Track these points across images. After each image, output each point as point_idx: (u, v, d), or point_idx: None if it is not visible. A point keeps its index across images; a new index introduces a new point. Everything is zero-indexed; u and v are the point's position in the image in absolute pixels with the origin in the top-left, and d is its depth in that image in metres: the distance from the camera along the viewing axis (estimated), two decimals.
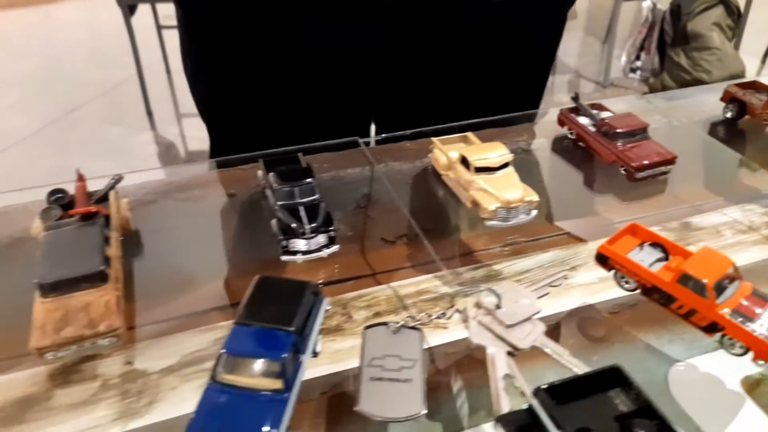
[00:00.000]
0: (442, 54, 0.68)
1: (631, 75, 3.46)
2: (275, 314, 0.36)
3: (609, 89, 3.44)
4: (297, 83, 0.68)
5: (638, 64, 3.43)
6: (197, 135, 3.21)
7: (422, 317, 0.42)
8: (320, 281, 0.50)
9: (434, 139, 0.60)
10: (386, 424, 0.38)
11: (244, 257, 0.54)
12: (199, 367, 0.44)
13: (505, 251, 0.56)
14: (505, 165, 0.54)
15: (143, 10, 3.03)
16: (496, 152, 0.54)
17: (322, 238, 0.47)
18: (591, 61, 3.63)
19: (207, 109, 0.76)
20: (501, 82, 0.71)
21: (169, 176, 0.59)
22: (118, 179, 0.47)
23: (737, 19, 3.06)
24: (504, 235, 0.57)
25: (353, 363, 0.44)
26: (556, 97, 3.38)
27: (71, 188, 0.51)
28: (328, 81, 0.68)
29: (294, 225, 0.47)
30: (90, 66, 3.60)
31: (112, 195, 0.48)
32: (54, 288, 0.40)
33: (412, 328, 0.42)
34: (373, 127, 0.79)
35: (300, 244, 0.46)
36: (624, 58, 3.48)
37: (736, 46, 3.05)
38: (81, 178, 0.48)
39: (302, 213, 0.47)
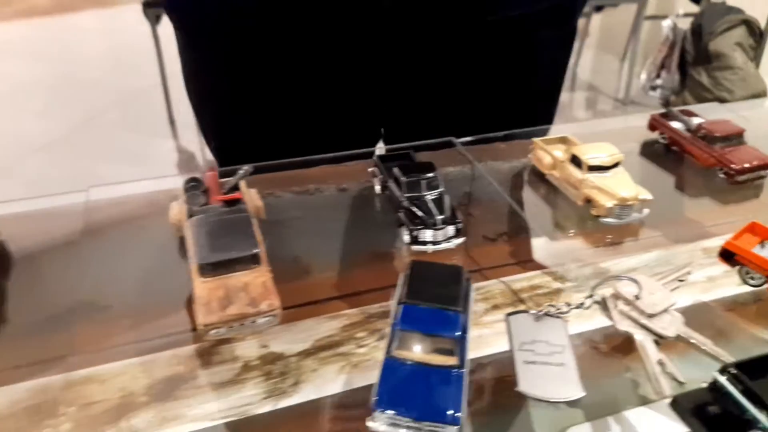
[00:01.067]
0: (451, 64, 0.68)
1: (651, 93, 3.49)
2: (440, 295, 0.38)
3: (629, 106, 3.46)
4: (301, 96, 0.68)
5: (658, 82, 3.45)
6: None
7: (561, 306, 0.43)
8: None
9: (536, 139, 0.61)
10: (527, 407, 0.39)
11: (357, 247, 0.55)
12: (334, 352, 0.45)
13: (608, 250, 0.57)
14: (616, 164, 0.55)
15: (166, 20, 3.08)
16: (607, 151, 0.55)
17: (450, 230, 0.48)
18: (609, 79, 3.66)
19: (214, 129, 0.77)
20: (511, 94, 0.72)
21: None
22: (249, 171, 0.48)
23: (759, 39, 3.08)
24: (606, 234, 0.58)
25: (482, 352, 0.45)
26: (575, 112, 3.41)
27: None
28: (334, 93, 0.68)
29: (424, 216, 0.48)
30: (111, 74, 3.64)
31: (242, 185, 0.49)
32: (213, 268, 0.41)
33: (554, 316, 0.43)
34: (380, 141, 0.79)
35: (430, 234, 0.47)
36: (643, 76, 3.51)
37: (757, 66, 3.08)
38: (212, 168, 0.50)
39: (430, 204, 0.49)
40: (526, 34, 0.68)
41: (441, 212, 0.48)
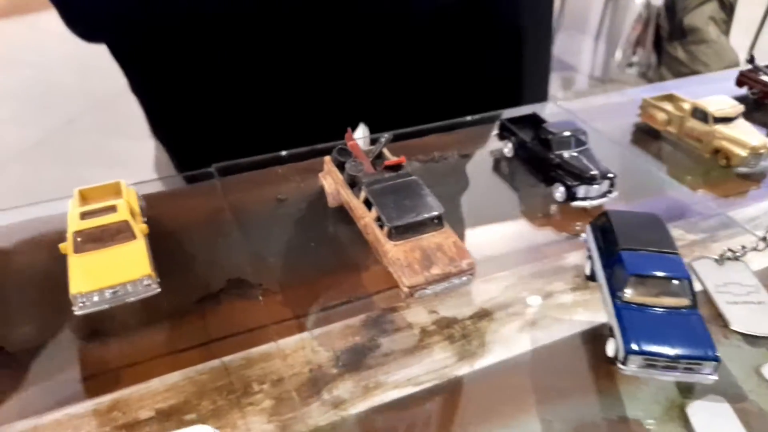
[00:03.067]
0: (427, 46, 0.67)
1: (628, 70, 3.56)
2: (655, 240, 0.37)
3: (608, 84, 3.53)
4: (277, 94, 0.67)
5: (635, 59, 3.53)
6: None
7: (737, 250, 0.44)
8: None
9: (646, 98, 0.61)
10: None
11: (507, 209, 0.54)
12: (505, 312, 0.44)
13: (729, 198, 0.57)
14: (738, 116, 0.56)
15: None
16: (729, 103, 0.56)
17: (606, 184, 0.48)
18: (585, 58, 3.72)
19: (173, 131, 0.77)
20: (493, 73, 0.72)
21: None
22: (390, 139, 0.47)
23: (729, 12, 3.18)
24: (735, 182, 0.58)
25: None
26: (554, 92, 3.46)
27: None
28: (310, 88, 0.67)
29: (581, 172, 0.48)
30: (81, 77, 3.52)
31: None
32: (404, 231, 0.40)
33: (733, 259, 0.43)
34: (364, 128, 0.79)
35: (590, 190, 0.47)
36: (619, 54, 3.58)
37: (727, 39, 3.17)
38: (350, 136, 0.48)
39: (584, 161, 0.48)
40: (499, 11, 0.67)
41: (596, 168, 0.48)
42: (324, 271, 0.45)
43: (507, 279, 0.47)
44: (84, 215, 0.40)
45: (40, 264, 0.45)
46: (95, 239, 0.39)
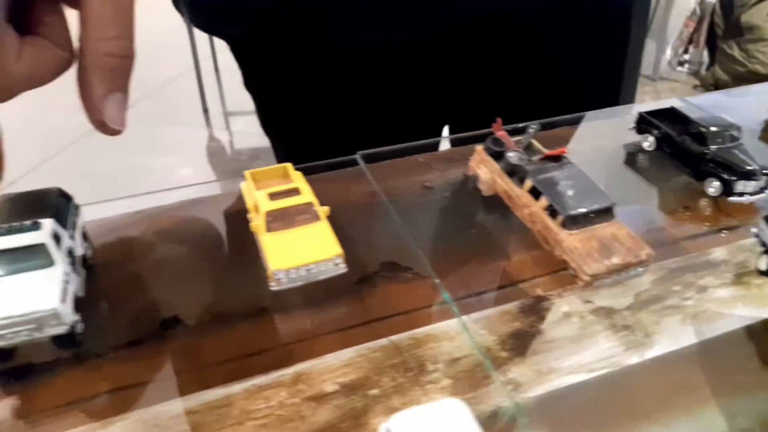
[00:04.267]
0: (530, 43, 0.67)
1: (679, 68, 3.50)
2: None
3: (659, 82, 3.46)
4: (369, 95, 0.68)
5: (686, 57, 3.46)
6: (251, 131, 3.22)
7: None
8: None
9: None
10: None
11: (658, 203, 0.54)
12: (662, 305, 0.45)
13: None
14: None
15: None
16: None
17: (763, 180, 0.48)
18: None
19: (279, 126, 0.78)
20: (570, 75, 0.71)
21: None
22: (538, 129, 0.48)
23: None
24: None
25: None
26: None
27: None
28: (399, 92, 0.68)
29: (739, 166, 0.48)
30: (139, 65, 3.60)
31: (534, 141, 0.48)
32: (578, 220, 0.41)
33: None
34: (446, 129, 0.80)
35: (748, 185, 0.47)
36: (669, 52, 3.51)
37: None
38: (498, 125, 0.49)
39: (740, 155, 0.48)
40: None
41: (754, 163, 0.48)
42: (476, 257, 0.46)
43: (656, 272, 0.47)
44: (272, 196, 0.42)
45: (212, 241, 0.47)
46: (283, 219, 0.41)
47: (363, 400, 0.38)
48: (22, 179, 2.61)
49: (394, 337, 0.42)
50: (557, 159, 0.46)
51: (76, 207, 0.42)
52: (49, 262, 0.35)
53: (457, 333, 0.42)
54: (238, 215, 0.46)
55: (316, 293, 0.44)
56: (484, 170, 0.48)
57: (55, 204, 0.39)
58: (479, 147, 0.50)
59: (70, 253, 0.38)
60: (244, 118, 3.26)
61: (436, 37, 0.63)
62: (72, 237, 0.39)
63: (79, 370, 0.38)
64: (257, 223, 0.42)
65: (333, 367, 0.40)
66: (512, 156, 0.46)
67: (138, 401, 0.38)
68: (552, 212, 0.42)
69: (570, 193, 0.42)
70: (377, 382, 0.39)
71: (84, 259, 0.40)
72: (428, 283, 0.46)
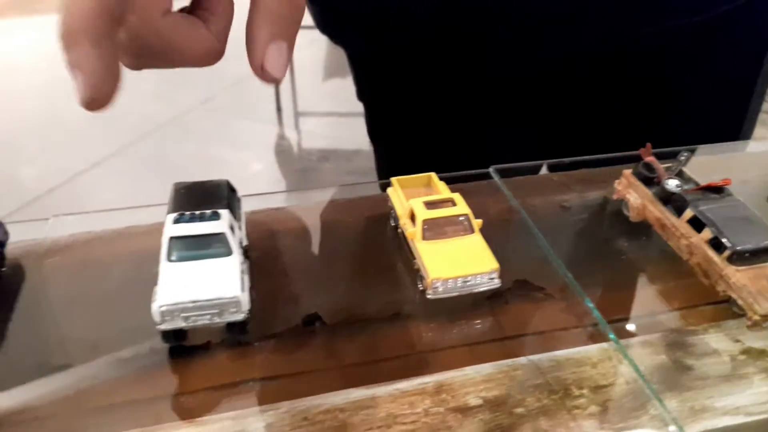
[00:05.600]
0: (652, 69, 0.64)
1: None
2: None
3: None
4: (477, 109, 0.67)
5: None
6: (319, 132, 3.27)
7: None
8: None
9: None
10: None
11: None
12: None
13: None
14: None
15: None
16: None
17: None
18: None
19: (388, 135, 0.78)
20: (696, 104, 0.67)
21: None
22: (689, 157, 0.46)
23: None
24: None
25: None
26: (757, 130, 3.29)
27: None
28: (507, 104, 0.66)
29: None
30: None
31: (686, 170, 0.47)
32: (745, 257, 0.40)
33: None
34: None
35: None
36: None
37: None
38: (647, 151, 0.48)
39: None
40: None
41: None
42: (621, 283, 0.45)
43: None
44: (428, 205, 0.43)
45: (356, 243, 0.48)
46: (439, 229, 0.41)
47: (509, 417, 0.37)
48: (103, 162, 2.73)
49: (533, 357, 0.41)
50: (718, 190, 0.44)
51: (239, 200, 0.44)
52: (228, 251, 0.37)
53: (600, 359, 0.41)
54: (381, 219, 0.46)
55: (451, 305, 0.44)
56: (634, 195, 0.47)
57: (226, 196, 0.41)
58: (627, 171, 0.49)
59: (240, 243, 0.39)
60: (314, 119, 3.33)
61: (581, 63, 0.62)
62: (240, 228, 0.40)
63: (233, 355, 0.40)
64: (412, 230, 0.42)
65: (474, 380, 0.40)
66: (670, 184, 0.45)
67: (286, 392, 0.38)
68: (716, 245, 0.41)
69: (736, 226, 0.41)
70: (521, 401, 0.38)
71: (245, 250, 0.42)
72: (560, 305, 0.46)
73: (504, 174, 0.53)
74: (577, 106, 0.68)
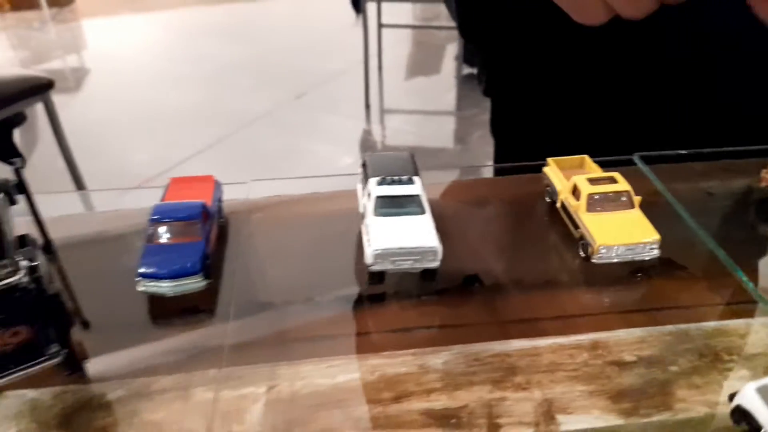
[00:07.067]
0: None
1: None
2: None
3: None
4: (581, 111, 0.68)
5: None
6: (404, 128, 3.34)
7: None
8: None
9: None
10: None
11: None
12: None
13: None
14: None
15: (370, 9, 3.22)
16: None
17: None
18: None
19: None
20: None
21: None
22: None
23: None
24: None
25: None
26: None
27: None
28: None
29: None
30: (309, 57, 3.89)
31: None
32: None
33: None
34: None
35: None
36: None
37: None
38: None
39: None
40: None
41: None
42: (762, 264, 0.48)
43: None
44: (591, 181, 0.48)
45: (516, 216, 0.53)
46: (603, 203, 0.46)
47: (664, 373, 0.41)
48: (204, 151, 2.92)
49: (682, 326, 0.45)
50: None
51: (418, 170, 0.50)
52: (423, 210, 0.43)
53: (746, 332, 0.44)
54: (535, 196, 0.51)
55: (608, 273, 0.48)
56: None
57: (412, 165, 0.47)
58: None
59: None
60: (399, 116, 3.41)
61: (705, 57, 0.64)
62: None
63: (414, 304, 0.46)
64: (576, 203, 0.47)
65: (627, 341, 0.44)
66: None
67: (459, 338, 0.44)
68: None
69: None
70: (674, 360, 0.42)
71: None
72: (708, 282, 0.49)
73: (646, 162, 0.56)
74: (701, 102, 0.69)
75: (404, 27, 4.13)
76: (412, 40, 4.37)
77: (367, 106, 3.34)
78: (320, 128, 3.17)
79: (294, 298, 0.45)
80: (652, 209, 0.55)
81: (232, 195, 0.52)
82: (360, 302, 0.46)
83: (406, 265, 0.42)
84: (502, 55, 0.78)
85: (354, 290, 0.45)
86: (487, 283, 0.49)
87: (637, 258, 0.45)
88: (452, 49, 3.77)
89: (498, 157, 0.89)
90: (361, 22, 3.22)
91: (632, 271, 0.48)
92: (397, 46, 4.38)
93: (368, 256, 0.42)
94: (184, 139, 3.00)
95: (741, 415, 0.35)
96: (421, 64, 3.94)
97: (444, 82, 3.58)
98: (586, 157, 0.53)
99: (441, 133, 3.24)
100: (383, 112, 3.47)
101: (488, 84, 0.83)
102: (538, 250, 0.50)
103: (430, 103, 3.50)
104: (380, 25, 3.33)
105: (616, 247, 0.44)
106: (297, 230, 0.52)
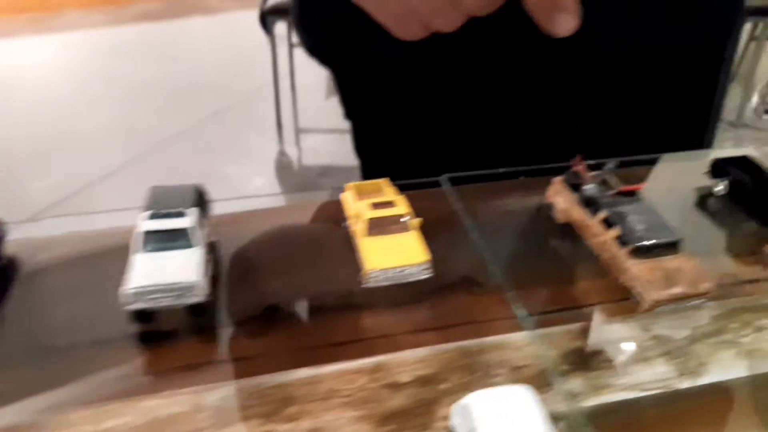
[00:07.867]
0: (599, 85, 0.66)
1: (765, 117, 3.38)
2: None
3: (741, 129, 3.36)
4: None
5: None
6: (320, 148, 3.33)
7: None
8: None
9: None
10: None
11: (694, 243, 0.57)
12: (718, 339, 0.48)
13: None
14: None
15: (279, 27, 3.21)
16: None
17: None
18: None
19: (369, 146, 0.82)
20: (657, 115, 0.70)
21: None
22: (614, 167, 0.52)
23: None
24: None
25: None
26: None
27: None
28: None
29: None
30: (222, 76, 3.83)
31: (611, 178, 0.52)
32: (644, 251, 0.45)
33: None
34: None
35: None
36: (756, 99, 3.40)
37: None
38: (580, 159, 0.54)
39: None
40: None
41: None
42: (547, 279, 0.51)
43: (715, 309, 0.50)
44: (374, 206, 0.49)
45: (310, 242, 0.54)
46: (381, 226, 0.47)
47: (434, 392, 0.43)
48: (111, 175, 2.81)
49: (463, 342, 0.47)
50: (631, 195, 0.50)
51: (207, 202, 0.50)
52: (190, 244, 0.43)
53: (523, 345, 0.47)
54: (333, 221, 0.52)
55: (398, 296, 0.49)
56: (561, 200, 0.53)
57: (193, 198, 0.47)
58: (557, 179, 0.55)
59: (206, 239, 0.45)
60: (314, 136, 3.40)
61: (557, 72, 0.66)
62: (207, 226, 0.46)
63: (194, 340, 0.45)
64: (357, 228, 0.48)
65: (408, 361, 0.45)
66: (588, 188, 0.50)
67: (242, 372, 0.44)
68: (622, 242, 0.47)
69: (640, 226, 0.46)
70: (447, 378, 0.44)
71: (213, 246, 0.48)
72: (496, 298, 0.51)
73: (459, 182, 0.59)
74: (556, 114, 0.72)
75: None
76: None
77: (279, 126, 3.32)
78: (232, 148, 3.12)
79: (60, 342, 0.44)
80: (452, 228, 0.57)
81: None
82: (142, 342, 0.45)
83: (166, 302, 0.41)
84: (353, 77, 0.78)
85: (123, 331, 0.44)
86: (279, 312, 0.49)
87: (412, 279, 0.46)
88: None
89: (365, 177, 0.90)
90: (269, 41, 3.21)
91: (421, 291, 0.50)
92: (317, 66, 4.38)
93: (122, 295, 0.41)
94: (89, 162, 2.88)
95: None
96: None
97: None
98: (385, 180, 0.54)
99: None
100: (298, 131, 3.46)
101: (346, 106, 0.84)
102: (332, 276, 0.51)
103: (346, 123, 3.52)
104: (291, 45, 3.33)
105: (387, 271, 0.45)
106: (68, 271, 0.50)
